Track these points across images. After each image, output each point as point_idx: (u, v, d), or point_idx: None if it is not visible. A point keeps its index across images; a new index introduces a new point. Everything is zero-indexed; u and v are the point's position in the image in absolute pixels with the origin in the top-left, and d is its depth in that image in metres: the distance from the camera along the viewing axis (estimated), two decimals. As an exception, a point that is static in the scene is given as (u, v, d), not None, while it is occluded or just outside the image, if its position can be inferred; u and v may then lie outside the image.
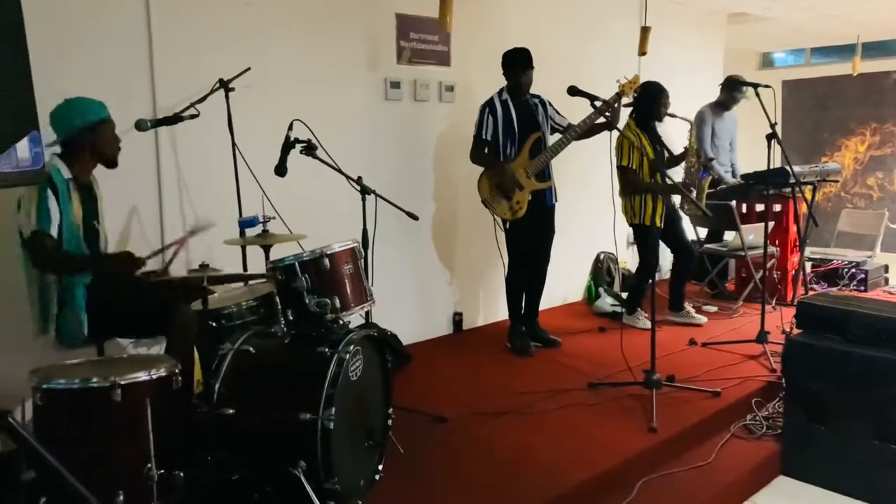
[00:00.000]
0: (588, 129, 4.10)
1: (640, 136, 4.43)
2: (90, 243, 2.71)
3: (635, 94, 4.12)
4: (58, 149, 2.65)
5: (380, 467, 2.58)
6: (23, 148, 1.59)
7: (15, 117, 1.58)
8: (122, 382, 2.09)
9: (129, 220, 3.28)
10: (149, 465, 2.10)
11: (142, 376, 2.15)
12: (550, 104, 4.25)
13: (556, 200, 4.30)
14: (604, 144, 4.25)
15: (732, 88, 5.34)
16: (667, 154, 4.65)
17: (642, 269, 4.73)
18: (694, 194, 4.45)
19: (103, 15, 3.14)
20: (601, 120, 4.03)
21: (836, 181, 7.00)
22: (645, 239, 4.59)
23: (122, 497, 2.06)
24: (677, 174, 4.75)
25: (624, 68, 4.38)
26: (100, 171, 2.79)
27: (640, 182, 4.40)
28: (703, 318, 4.87)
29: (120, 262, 2.67)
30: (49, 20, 2.93)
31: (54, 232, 2.53)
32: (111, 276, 2.70)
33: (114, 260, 2.72)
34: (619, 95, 4.05)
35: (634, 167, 4.41)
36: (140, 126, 2.96)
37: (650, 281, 4.10)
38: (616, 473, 2.81)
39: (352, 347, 2.36)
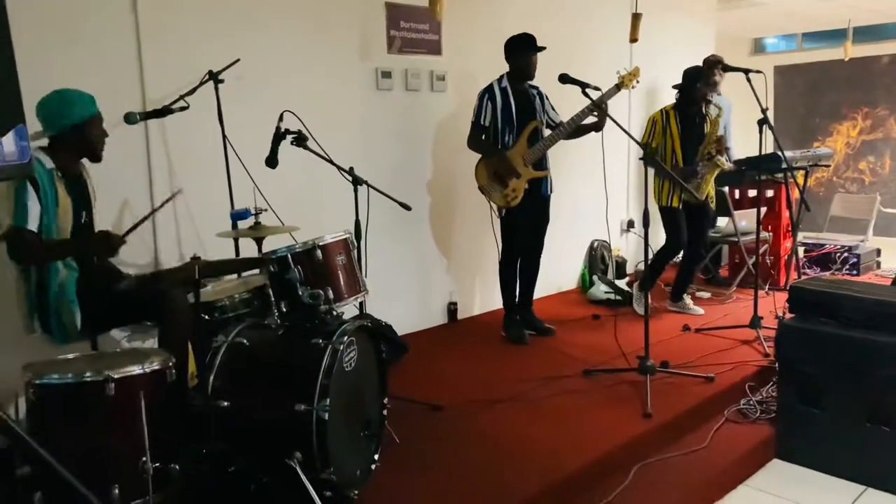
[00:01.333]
0: (576, 129, 4.09)
1: (670, 118, 4.46)
2: (80, 234, 2.67)
3: (636, 84, 4.11)
4: (44, 141, 2.62)
5: (376, 457, 2.59)
6: (9, 142, 1.58)
7: (0, 111, 1.57)
8: (116, 376, 2.09)
9: (120, 213, 3.26)
10: (144, 459, 2.09)
11: (135, 370, 2.14)
12: (547, 98, 4.24)
13: (552, 191, 4.30)
14: (597, 132, 4.25)
15: (711, 68, 5.30)
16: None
17: (663, 247, 4.73)
18: (700, 177, 4.48)
19: (91, 7, 3.11)
20: (590, 120, 4.02)
21: (828, 166, 7.01)
22: (666, 220, 4.66)
23: (117, 491, 2.05)
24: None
25: (615, 55, 4.39)
26: (90, 164, 2.77)
27: (655, 163, 4.43)
28: (699, 310, 4.84)
29: (98, 242, 2.59)
30: (36, 12, 2.90)
31: (34, 226, 2.49)
32: (94, 253, 2.65)
33: (91, 240, 2.65)
34: (618, 87, 4.03)
35: (654, 146, 4.44)
36: (129, 119, 2.94)
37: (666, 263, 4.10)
38: (612, 459, 2.82)
39: (346, 338, 2.36)
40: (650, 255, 3.78)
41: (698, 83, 4.52)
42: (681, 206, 4.59)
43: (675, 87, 4.64)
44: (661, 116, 4.58)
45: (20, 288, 2.60)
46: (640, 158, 4.52)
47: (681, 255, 4.85)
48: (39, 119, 2.57)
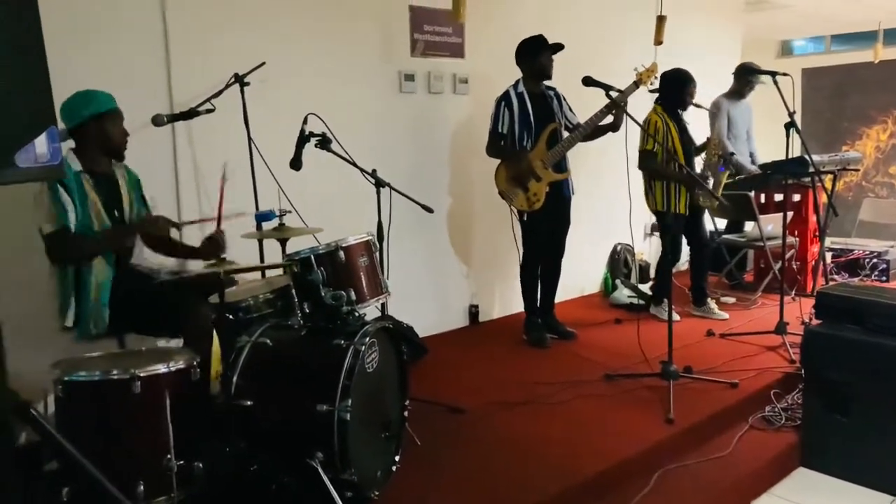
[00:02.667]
0: (594, 130, 4.07)
1: (668, 123, 4.41)
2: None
3: (654, 81, 4.08)
4: (72, 143, 2.67)
5: (396, 458, 2.60)
6: (41, 143, 1.61)
7: (32, 113, 1.60)
8: (142, 374, 2.12)
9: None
10: (168, 456, 2.12)
11: (160, 368, 2.18)
12: (565, 99, 4.23)
13: (574, 192, 4.28)
14: (619, 134, 4.22)
15: (746, 75, 5.28)
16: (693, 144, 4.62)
17: (662, 257, 4.70)
18: (710, 186, 4.41)
19: (119, 10, 3.17)
20: (607, 120, 4.00)
21: (857, 170, 6.90)
22: (666, 227, 4.57)
23: (142, 487, 2.09)
24: (696, 165, 4.71)
25: (639, 58, 4.34)
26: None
27: (660, 169, 4.37)
28: (724, 315, 4.79)
29: (148, 223, 2.75)
30: (66, 15, 2.95)
31: (72, 224, 2.55)
32: (142, 232, 2.79)
33: (141, 221, 2.78)
34: (636, 84, 4.01)
35: (656, 151, 4.39)
36: (157, 121, 2.98)
37: (671, 270, 4.09)
38: (633, 464, 2.80)
39: (367, 339, 2.37)
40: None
41: (689, 87, 4.46)
42: (687, 212, 4.51)
43: (658, 88, 4.51)
44: (659, 119, 4.45)
45: (56, 284, 2.65)
46: (639, 166, 4.45)
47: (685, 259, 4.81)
48: (62, 118, 2.63)
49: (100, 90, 2.68)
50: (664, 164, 4.39)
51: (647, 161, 4.39)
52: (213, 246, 2.77)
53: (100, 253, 2.65)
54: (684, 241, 4.85)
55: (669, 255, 4.40)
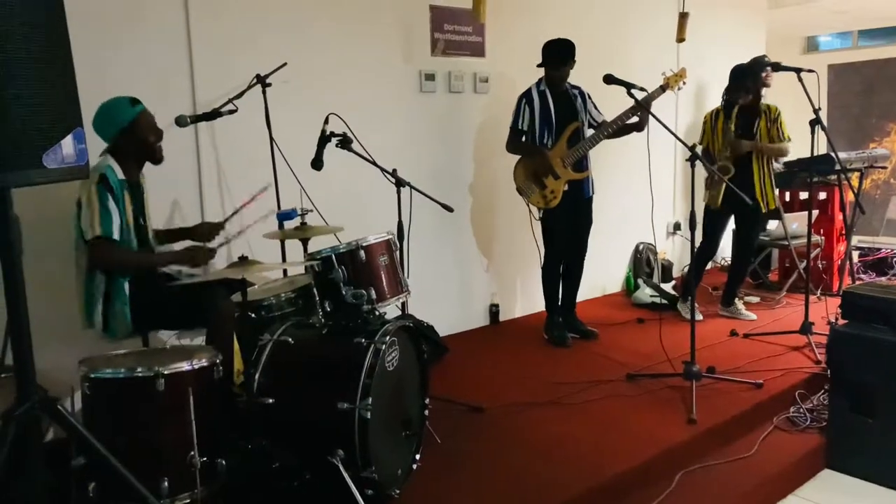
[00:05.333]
0: (620, 129, 4.04)
1: (719, 118, 4.38)
2: (140, 239, 2.78)
3: (682, 86, 4.04)
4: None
5: (417, 457, 2.61)
6: (68, 145, 1.64)
7: (59, 115, 1.63)
8: (166, 372, 2.15)
9: (171, 213, 3.36)
10: (192, 453, 2.15)
11: (184, 366, 2.20)
12: (590, 97, 4.21)
13: (594, 192, 4.26)
14: (641, 133, 4.19)
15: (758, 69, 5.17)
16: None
17: (699, 250, 4.64)
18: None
19: (143, 13, 3.21)
20: (633, 119, 3.97)
21: (885, 167, 6.77)
22: (705, 221, 4.60)
23: (166, 483, 2.12)
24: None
25: (662, 56, 4.32)
26: (146, 172, 2.87)
27: (704, 163, 4.37)
28: (751, 315, 4.72)
29: (192, 256, 2.80)
30: (91, 18, 3.00)
31: (117, 234, 2.60)
32: (186, 264, 2.85)
33: (185, 254, 2.82)
34: (662, 88, 3.97)
35: (704, 147, 4.42)
36: (180, 122, 3.02)
37: (702, 267, 4.04)
38: (655, 465, 2.78)
39: (388, 338, 2.38)
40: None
41: (741, 80, 4.43)
42: (724, 210, 4.49)
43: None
44: (711, 115, 4.48)
45: (83, 284, 2.70)
46: (687, 160, 4.43)
47: (724, 258, 4.76)
48: (97, 133, 2.68)
49: (115, 98, 2.70)
50: (709, 161, 4.39)
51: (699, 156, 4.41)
52: (197, 256, 2.82)
53: (133, 271, 2.72)
54: (728, 240, 4.81)
55: (702, 250, 4.39)
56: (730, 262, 4.87)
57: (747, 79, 4.48)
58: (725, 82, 4.63)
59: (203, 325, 2.74)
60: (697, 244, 4.85)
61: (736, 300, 4.80)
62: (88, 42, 2.90)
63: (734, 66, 4.62)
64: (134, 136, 2.70)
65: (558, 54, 4.03)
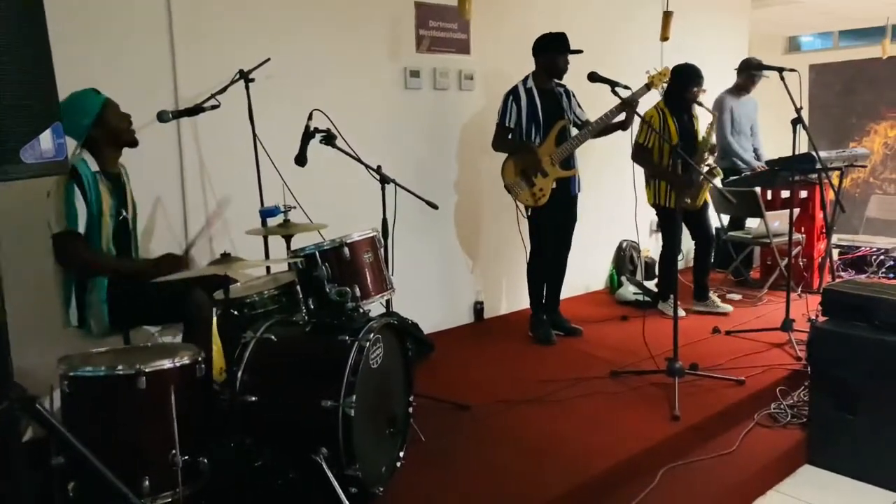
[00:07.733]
0: (605, 127, 4.05)
1: (667, 118, 4.39)
2: (119, 236, 2.73)
3: (665, 84, 4.06)
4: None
5: (401, 454, 2.60)
6: (46, 139, 1.61)
7: (38, 109, 1.60)
8: (147, 370, 2.13)
9: (153, 210, 3.32)
10: (173, 452, 2.13)
11: (166, 364, 2.18)
12: (574, 96, 4.21)
13: (580, 190, 4.27)
14: (625, 132, 4.21)
15: (750, 70, 5.26)
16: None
17: (664, 253, 4.69)
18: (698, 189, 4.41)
19: (125, 7, 3.17)
20: (619, 118, 3.99)
21: (865, 166, 6.86)
22: (666, 222, 4.56)
23: (147, 482, 2.09)
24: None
25: (646, 54, 4.34)
26: (125, 162, 2.83)
27: (651, 164, 4.37)
28: (728, 307, 4.81)
29: (166, 265, 2.65)
30: (71, 12, 2.96)
31: (81, 228, 2.56)
32: (150, 278, 2.54)
33: (158, 263, 2.69)
34: (647, 87, 3.99)
35: (650, 146, 4.37)
36: (162, 117, 2.98)
37: (674, 265, 4.07)
38: (639, 461, 2.80)
39: (372, 335, 2.37)
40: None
41: (694, 86, 4.41)
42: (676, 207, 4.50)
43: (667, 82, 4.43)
44: (657, 114, 4.43)
45: (58, 282, 2.66)
46: (632, 158, 4.42)
47: (685, 253, 4.78)
48: (66, 133, 2.62)
49: (78, 91, 2.64)
50: (658, 161, 4.39)
51: (639, 154, 4.39)
52: (171, 262, 2.67)
53: (98, 274, 2.64)
54: (688, 236, 4.83)
55: (669, 249, 4.39)
56: (694, 257, 4.91)
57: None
58: (711, 81, 4.64)
59: (179, 319, 2.70)
60: (686, 244, 4.91)
61: (710, 293, 4.85)
62: (68, 35, 2.85)
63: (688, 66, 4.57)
64: (107, 124, 2.66)
65: (561, 41, 4.03)
